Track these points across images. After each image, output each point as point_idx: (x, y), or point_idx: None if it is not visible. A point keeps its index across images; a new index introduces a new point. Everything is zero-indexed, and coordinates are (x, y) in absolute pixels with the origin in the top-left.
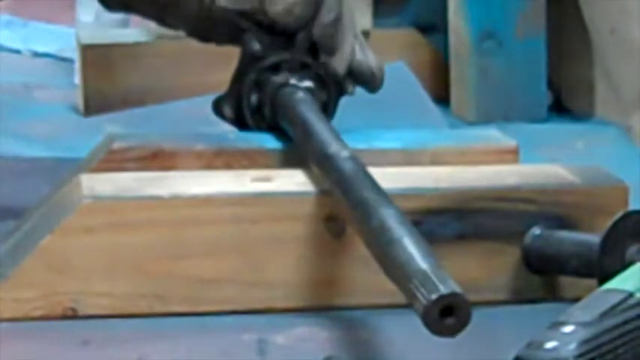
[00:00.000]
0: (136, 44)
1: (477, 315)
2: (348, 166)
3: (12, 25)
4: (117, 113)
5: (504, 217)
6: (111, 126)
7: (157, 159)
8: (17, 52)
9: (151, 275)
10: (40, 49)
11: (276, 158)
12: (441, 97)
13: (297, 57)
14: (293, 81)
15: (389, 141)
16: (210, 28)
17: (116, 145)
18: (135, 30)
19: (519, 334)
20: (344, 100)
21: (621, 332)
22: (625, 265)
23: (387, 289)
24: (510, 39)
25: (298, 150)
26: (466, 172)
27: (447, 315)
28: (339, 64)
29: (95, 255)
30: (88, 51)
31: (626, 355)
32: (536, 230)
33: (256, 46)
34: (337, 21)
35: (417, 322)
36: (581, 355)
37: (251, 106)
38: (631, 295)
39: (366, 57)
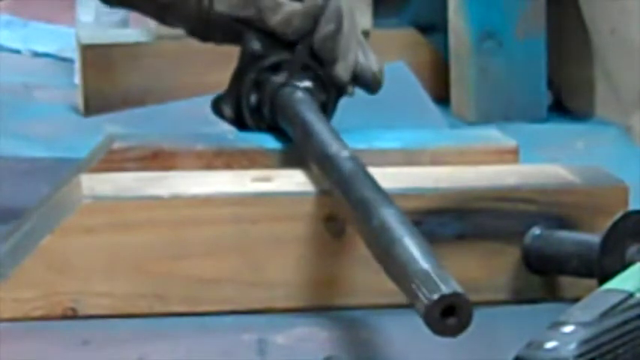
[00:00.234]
0: (136, 44)
1: (477, 315)
2: (348, 166)
3: (12, 25)
4: (117, 113)
5: (504, 217)
6: (111, 126)
7: (157, 159)
8: (17, 52)
9: (151, 275)
10: (40, 49)
11: (276, 158)
12: (441, 97)
13: (298, 59)
14: (292, 81)
15: (389, 141)
16: (209, 29)
17: (116, 145)
18: (135, 30)
19: (519, 334)
20: (344, 100)
21: (621, 332)
22: (625, 265)
23: (387, 289)
24: (510, 39)
25: (298, 150)
26: (466, 172)
27: (449, 315)
28: (342, 71)
29: (95, 255)
30: (88, 51)
31: (626, 355)
32: (536, 230)
33: (256, 46)
34: (337, 32)
35: (417, 322)
36: (581, 355)
37: (250, 106)
38: (631, 295)
39: (368, 61)
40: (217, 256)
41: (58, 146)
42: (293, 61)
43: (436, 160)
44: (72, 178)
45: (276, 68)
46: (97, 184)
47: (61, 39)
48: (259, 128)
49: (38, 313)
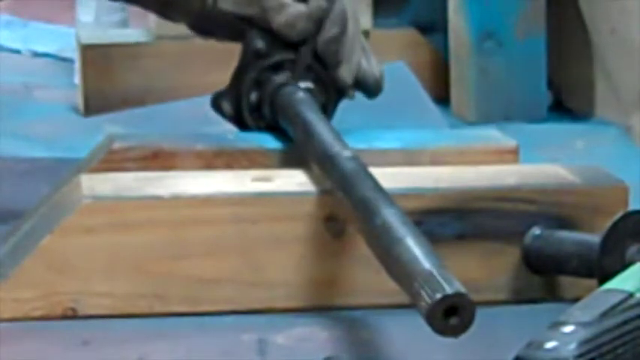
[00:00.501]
0: (136, 44)
1: (478, 315)
2: (349, 166)
3: (12, 25)
4: (117, 113)
5: (504, 217)
6: (111, 126)
7: (157, 159)
8: (17, 52)
9: (151, 275)
10: (40, 49)
11: (276, 158)
12: (441, 97)
13: (302, 61)
14: (294, 81)
15: (389, 141)
16: (211, 26)
17: (116, 145)
18: (135, 30)
19: (519, 334)
20: (344, 101)
21: (621, 332)
22: (625, 265)
23: (387, 289)
24: (510, 39)
25: (298, 150)
26: (466, 172)
27: (451, 315)
28: (346, 74)
29: (95, 255)
30: (88, 51)
31: (626, 355)
32: (536, 230)
33: (259, 44)
34: (342, 35)
35: (418, 322)
36: (581, 355)
37: (250, 104)
38: (631, 295)
39: (371, 66)
40: (217, 256)
41: (58, 146)
42: (296, 62)
43: (436, 160)
44: (72, 178)
45: (277, 68)
46: (97, 184)
47: (61, 39)
48: (258, 127)
49: (38, 313)
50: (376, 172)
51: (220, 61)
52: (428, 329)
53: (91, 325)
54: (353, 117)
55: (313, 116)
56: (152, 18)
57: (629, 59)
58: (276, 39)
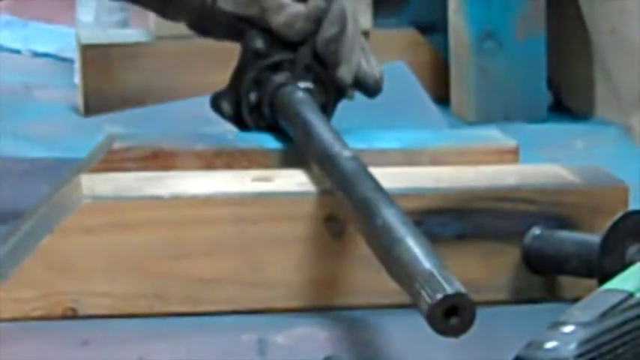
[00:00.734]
0: (136, 44)
1: (477, 315)
2: (350, 166)
3: (12, 25)
4: (117, 113)
5: (504, 217)
6: (111, 126)
7: (157, 159)
8: (17, 52)
9: (151, 275)
10: (40, 49)
11: (276, 158)
12: (441, 97)
13: (301, 61)
14: (293, 81)
15: (389, 141)
16: (211, 25)
17: (116, 145)
18: (135, 30)
19: (519, 334)
20: (344, 101)
21: (621, 332)
22: (625, 265)
23: (387, 289)
24: (510, 39)
25: (298, 150)
26: (466, 172)
27: (452, 315)
28: (345, 74)
29: (95, 255)
30: (88, 51)
31: (626, 355)
32: (536, 230)
33: (259, 44)
34: (341, 35)
35: (418, 322)
36: (581, 355)
37: (250, 104)
38: (631, 295)
39: (370, 66)
40: (217, 256)
41: (58, 146)
42: (295, 62)
43: (436, 160)
44: (72, 178)
45: (277, 67)
46: (97, 184)
47: (61, 39)
48: (258, 127)
49: (38, 313)
50: (376, 172)
51: (220, 61)
52: (428, 329)
53: (91, 325)
54: (353, 117)
55: (313, 116)
56: (152, 18)
57: (629, 59)
58: (276, 39)
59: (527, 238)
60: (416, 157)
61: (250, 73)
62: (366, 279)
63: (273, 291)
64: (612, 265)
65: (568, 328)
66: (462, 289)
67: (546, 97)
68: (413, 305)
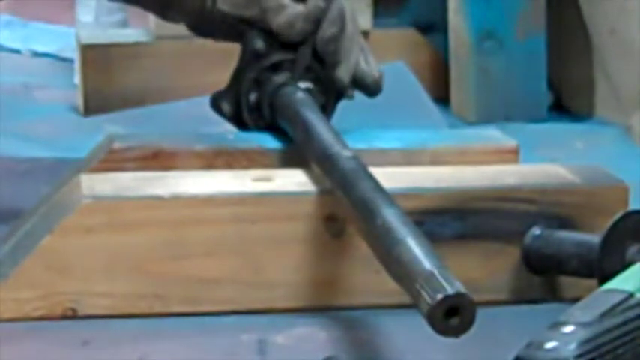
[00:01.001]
0: (136, 44)
1: (478, 315)
2: (350, 166)
3: (12, 25)
4: (117, 113)
5: (504, 217)
6: (111, 126)
7: (157, 159)
8: (17, 52)
9: (151, 275)
10: (40, 49)
11: (276, 158)
12: (441, 97)
13: (301, 61)
14: (293, 81)
15: (389, 141)
16: (210, 27)
17: (116, 145)
18: (134, 30)
19: (519, 334)
20: (344, 101)
21: (621, 332)
22: (625, 265)
23: (387, 289)
24: (510, 39)
25: (298, 150)
26: (466, 172)
27: (452, 315)
28: (344, 74)
29: (95, 255)
30: (88, 51)
31: (626, 355)
32: (536, 230)
33: (259, 45)
34: (340, 34)
35: (418, 322)
36: (581, 355)
37: (249, 104)
38: (631, 295)
39: (370, 66)
40: (217, 256)
41: (58, 146)
42: (295, 63)
43: (436, 160)
44: (72, 178)
45: (276, 68)
46: (97, 184)
47: (61, 39)
48: (258, 127)
49: (38, 313)
50: (376, 172)
51: (220, 61)
52: (428, 329)
53: (91, 325)
54: (353, 117)
55: (313, 116)
56: (152, 18)
57: (629, 59)
58: (275, 39)
59: (527, 238)
60: (416, 157)
61: (250, 73)
62: (366, 279)
63: (273, 291)
64: (612, 265)
65: (568, 328)
66: (463, 290)
67: (546, 97)
68: (413, 305)
